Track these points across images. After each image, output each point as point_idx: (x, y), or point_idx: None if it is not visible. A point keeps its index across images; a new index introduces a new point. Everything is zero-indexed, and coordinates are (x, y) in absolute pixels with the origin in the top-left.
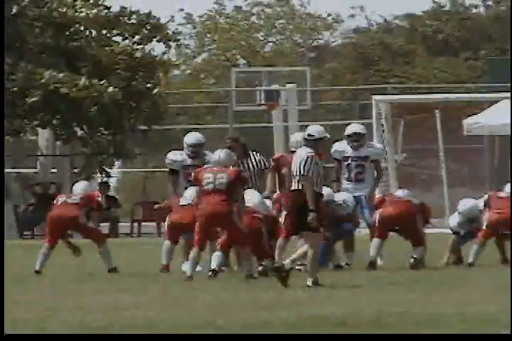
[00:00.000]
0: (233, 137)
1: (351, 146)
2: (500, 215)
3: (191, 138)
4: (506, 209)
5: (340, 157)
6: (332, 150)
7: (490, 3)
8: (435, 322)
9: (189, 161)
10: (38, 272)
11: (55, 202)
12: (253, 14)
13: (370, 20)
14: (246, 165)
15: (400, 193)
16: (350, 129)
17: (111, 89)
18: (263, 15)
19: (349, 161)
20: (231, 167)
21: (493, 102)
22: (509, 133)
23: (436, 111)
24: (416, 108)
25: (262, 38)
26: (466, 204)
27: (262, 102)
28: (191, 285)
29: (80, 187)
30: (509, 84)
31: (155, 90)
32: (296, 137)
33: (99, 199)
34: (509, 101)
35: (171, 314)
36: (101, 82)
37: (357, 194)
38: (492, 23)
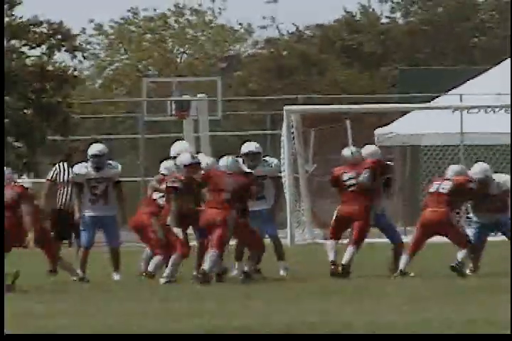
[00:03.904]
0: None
1: (248, 165)
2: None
3: (93, 149)
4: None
5: None
6: None
7: (398, 15)
8: (347, 331)
9: (93, 174)
10: None
11: None
12: (165, 23)
13: (280, 30)
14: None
15: None
16: (246, 148)
17: (26, 110)
18: (175, 25)
19: None
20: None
21: (404, 113)
22: (420, 144)
23: (347, 121)
24: (327, 118)
25: (173, 49)
26: None
27: (173, 112)
28: (101, 295)
29: None
30: (420, 94)
31: (66, 104)
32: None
33: None
34: (420, 111)
35: (83, 323)
36: (9, 98)
37: (257, 208)
38: (405, 35)
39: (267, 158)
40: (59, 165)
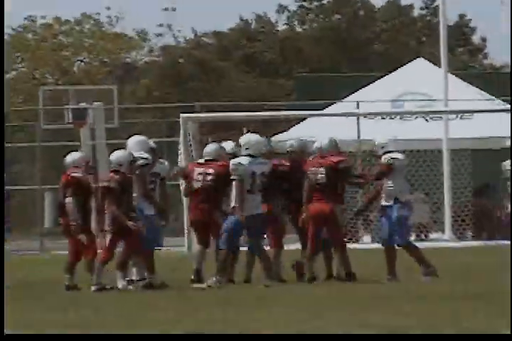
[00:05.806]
0: None
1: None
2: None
3: None
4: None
5: None
6: None
7: (295, 24)
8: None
9: None
10: None
11: None
12: (61, 32)
13: (177, 38)
14: None
15: None
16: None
17: None
18: (72, 34)
19: None
20: None
21: (300, 120)
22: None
23: (244, 128)
24: (225, 126)
25: (70, 57)
26: None
27: (70, 121)
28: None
29: None
30: (316, 102)
31: None
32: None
33: None
34: (316, 118)
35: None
36: None
37: (148, 213)
38: (304, 43)
39: (162, 160)
40: None
